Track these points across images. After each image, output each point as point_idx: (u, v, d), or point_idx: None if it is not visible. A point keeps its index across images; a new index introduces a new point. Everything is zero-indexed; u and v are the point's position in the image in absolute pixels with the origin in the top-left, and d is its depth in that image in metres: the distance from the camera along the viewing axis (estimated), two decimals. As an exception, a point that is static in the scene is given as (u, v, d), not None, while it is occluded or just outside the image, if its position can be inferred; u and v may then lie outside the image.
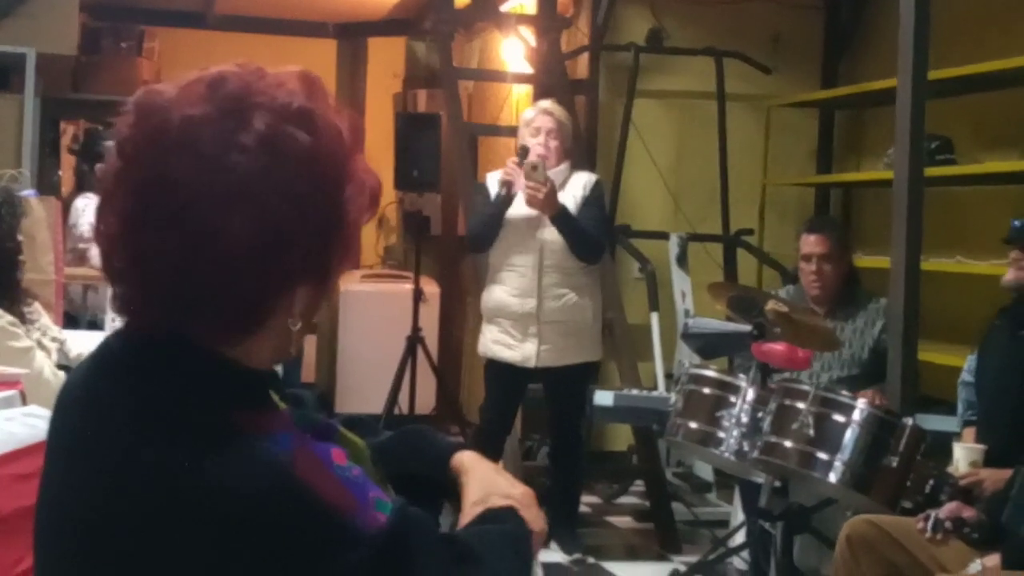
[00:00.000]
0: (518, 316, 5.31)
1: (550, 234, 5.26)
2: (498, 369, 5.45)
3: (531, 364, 5.32)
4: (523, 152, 5.25)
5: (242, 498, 1.25)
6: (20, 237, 4.03)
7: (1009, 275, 3.96)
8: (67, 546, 1.35)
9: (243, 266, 1.29)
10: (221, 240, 1.28)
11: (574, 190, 5.34)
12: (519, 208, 5.26)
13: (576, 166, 5.75)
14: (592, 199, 5.37)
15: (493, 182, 5.44)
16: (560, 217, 5.19)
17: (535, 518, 1.51)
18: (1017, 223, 3.98)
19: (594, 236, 5.33)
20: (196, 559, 1.26)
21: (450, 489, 1.58)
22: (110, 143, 1.37)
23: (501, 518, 1.48)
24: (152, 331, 1.34)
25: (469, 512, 1.49)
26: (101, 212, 1.35)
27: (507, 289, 5.34)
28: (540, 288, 5.28)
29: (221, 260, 1.29)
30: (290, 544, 1.25)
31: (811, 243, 4.93)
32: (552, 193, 5.15)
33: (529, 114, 5.49)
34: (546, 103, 5.55)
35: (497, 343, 5.39)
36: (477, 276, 6.18)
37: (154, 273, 1.31)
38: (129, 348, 1.37)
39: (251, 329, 1.34)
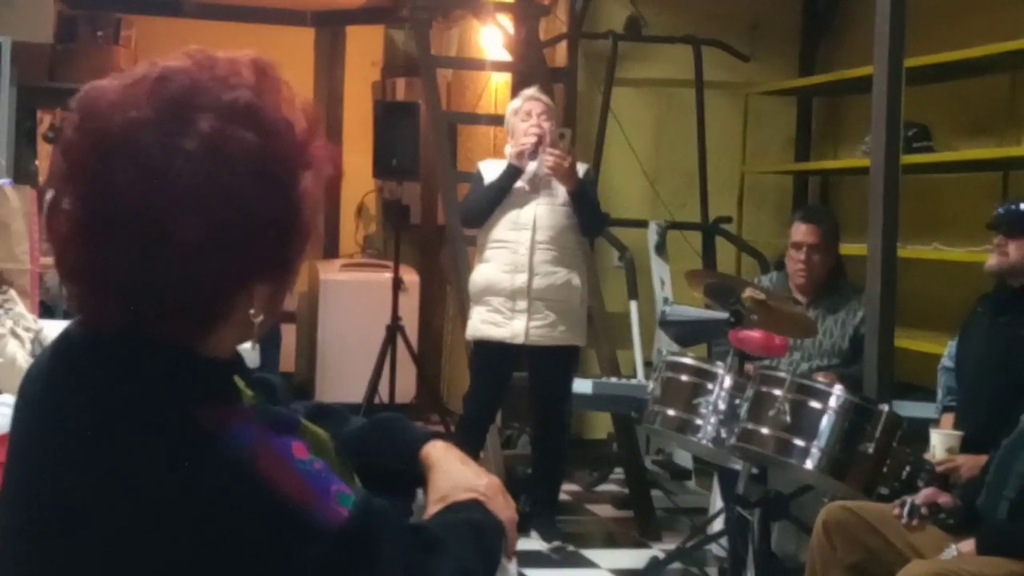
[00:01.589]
0: (508, 292, 5.33)
1: (543, 211, 5.35)
2: (486, 351, 5.45)
3: (520, 340, 5.33)
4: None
5: (201, 495, 1.24)
6: None
7: (992, 260, 3.98)
8: (26, 541, 1.35)
9: (194, 269, 1.28)
10: (169, 245, 1.27)
11: None
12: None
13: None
14: (586, 183, 5.46)
15: (487, 169, 5.48)
16: (578, 191, 5.30)
17: (500, 507, 1.50)
18: (1002, 209, 3.99)
19: (601, 212, 5.55)
20: (154, 557, 1.25)
21: (421, 480, 1.57)
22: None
23: (464, 510, 1.48)
24: (108, 327, 1.32)
25: (432, 510, 1.49)
26: (51, 212, 1.33)
27: (498, 266, 5.38)
28: (532, 264, 5.33)
29: (170, 263, 1.27)
30: (250, 540, 1.25)
31: (802, 232, 4.95)
32: (573, 165, 5.29)
33: (516, 103, 5.52)
34: (530, 90, 5.59)
35: (486, 322, 5.40)
36: (456, 264, 6.18)
37: (105, 274, 1.30)
38: (88, 341, 1.36)
39: (208, 326, 1.33)
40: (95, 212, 1.29)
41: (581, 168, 5.48)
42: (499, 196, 5.38)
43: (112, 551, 1.27)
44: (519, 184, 5.37)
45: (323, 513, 1.27)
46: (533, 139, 5.30)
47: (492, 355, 5.43)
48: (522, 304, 5.33)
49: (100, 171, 1.28)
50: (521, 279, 5.33)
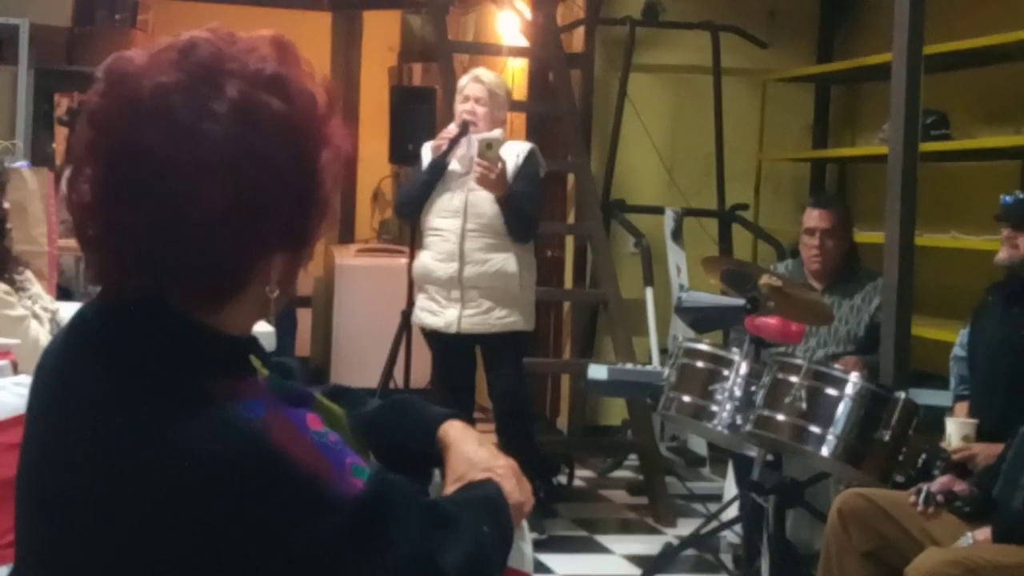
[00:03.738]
0: (442, 281, 5.15)
1: (474, 198, 5.10)
2: (431, 338, 5.34)
3: (453, 330, 5.15)
4: (463, 126, 5.10)
5: (214, 464, 1.24)
6: (6, 204, 4.03)
7: (1002, 253, 3.96)
8: (44, 514, 1.35)
9: (218, 234, 1.29)
10: (195, 208, 1.27)
11: (506, 161, 5.09)
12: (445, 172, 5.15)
13: (570, 140, 5.70)
14: (526, 172, 5.15)
15: (427, 153, 5.28)
16: (507, 199, 5.02)
17: (514, 489, 1.50)
18: (1008, 199, 3.97)
19: (531, 219, 5.18)
20: (169, 525, 1.25)
21: (438, 460, 1.58)
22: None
23: (480, 490, 1.48)
24: (127, 298, 1.33)
25: (449, 490, 1.50)
26: (73, 182, 1.34)
27: (432, 254, 5.19)
28: (463, 253, 5.12)
29: (196, 228, 1.28)
30: (264, 510, 1.25)
31: (815, 217, 4.94)
32: (503, 174, 4.98)
33: (462, 81, 5.31)
34: (479, 71, 5.38)
35: (424, 310, 5.25)
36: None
37: (129, 241, 1.30)
38: (103, 316, 1.37)
39: (227, 296, 1.33)
40: (122, 176, 1.29)
41: (523, 149, 5.20)
42: (425, 190, 5.17)
43: (127, 520, 1.27)
44: (453, 167, 5.15)
45: (338, 484, 1.27)
46: (452, 133, 5.09)
47: (436, 342, 5.31)
48: (455, 294, 5.14)
49: (129, 134, 1.29)
50: (453, 268, 5.12)
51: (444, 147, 5.09)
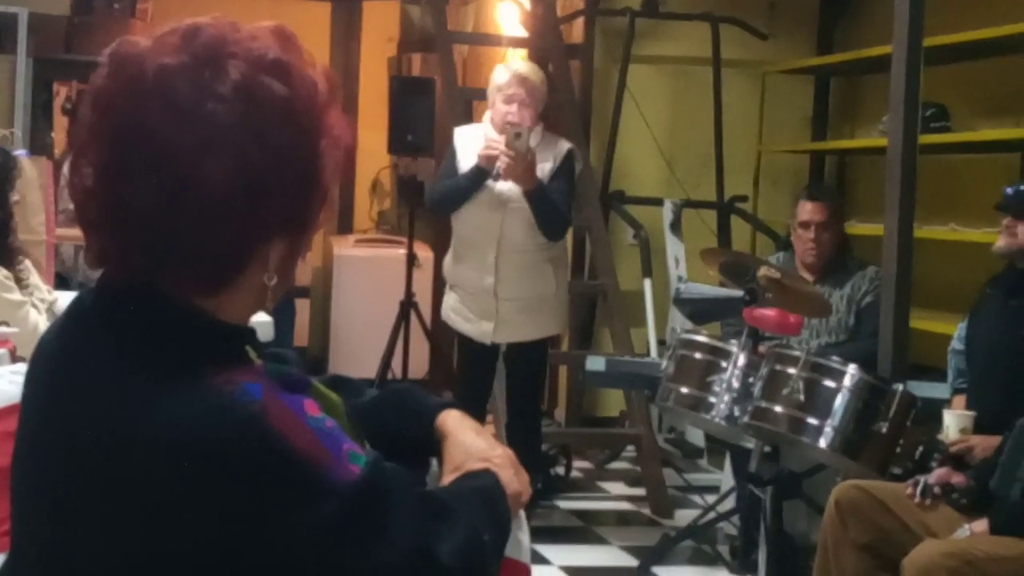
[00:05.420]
0: (476, 291, 5.02)
1: (512, 212, 4.91)
2: (459, 337, 5.25)
3: (488, 341, 5.04)
4: (516, 136, 4.77)
5: (211, 446, 1.24)
6: (15, 198, 4.04)
7: (1001, 241, 3.96)
8: (41, 500, 1.36)
9: (219, 215, 1.29)
10: (197, 188, 1.28)
11: (544, 159, 4.94)
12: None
13: (569, 131, 5.67)
14: (563, 171, 4.99)
15: (462, 138, 5.08)
16: (535, 192, 4.82)
17: (512, 479, 1.50)
18: (1009, 190, 3.98)
19: (563, 214, 4.98)
20: (163, 507, 1.26)
21: (435, 449, 1.58)
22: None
23: (477, 479, 1.48)
24: (126, 283, 1.34)
25: (447, 480, 1.50)
26: (76, 165, 1.35)
27: (466, 262, 5.06)
28: (498, 266, 4.97)
29: (197, 209, 1.29)
30: (260, 493, 1.25)
31: (809, 210, 4.94)
32: (532, 166, 4.79)
33: (502, 78, 4.98)
34: (520, 68, 5.11)
35: (456, 313, 5.14)
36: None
37: (130, 223, 1.31)
38: (101, 301, 1.37)
39: (227, 281, 1.34)
40: (125, 157, 1.30)
41: (561, 149, 5.02)
42: (465, 195, 4.95)
43: (123, 502, 1.27)
44: (491, 182, 4.90)
45: (335, 470, 1.28)
46: (502, 144, 4.77)
47: (467, 346, 5.20)
48: (491, 306, 5.00)
49: (132, 113, 1.30)
50: (488, 281, 4.98)
51: (499, 165, 4.79)
